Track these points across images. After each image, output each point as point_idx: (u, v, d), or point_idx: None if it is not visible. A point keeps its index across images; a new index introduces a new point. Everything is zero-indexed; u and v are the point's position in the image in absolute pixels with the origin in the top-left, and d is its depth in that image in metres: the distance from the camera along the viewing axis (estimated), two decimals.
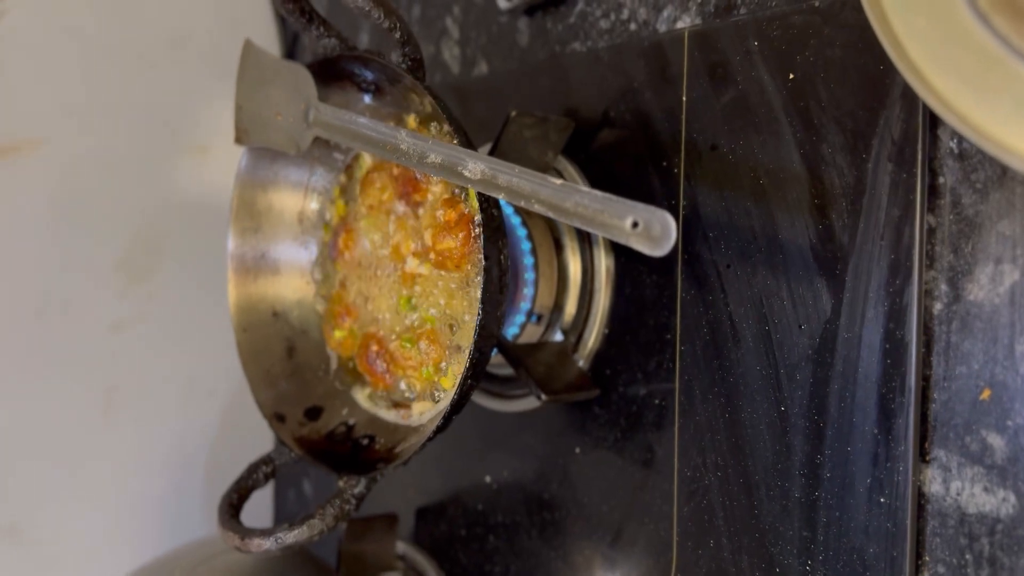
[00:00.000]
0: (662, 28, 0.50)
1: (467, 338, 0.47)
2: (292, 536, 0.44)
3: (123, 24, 0.71)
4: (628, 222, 0.35)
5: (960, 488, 0.39)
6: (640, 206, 0.35)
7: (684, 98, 0.47)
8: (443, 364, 0.48)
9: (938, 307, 0.39)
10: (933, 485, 0.39)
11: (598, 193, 0.36)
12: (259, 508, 0.81)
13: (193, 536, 0.73)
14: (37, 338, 0.68)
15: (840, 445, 0.41)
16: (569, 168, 0.52)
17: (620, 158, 0.50)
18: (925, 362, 0.39)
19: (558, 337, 0.53)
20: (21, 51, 0.65)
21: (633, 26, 0.52)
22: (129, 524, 0.74)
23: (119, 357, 0.72)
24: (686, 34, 0.47)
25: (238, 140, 0.50)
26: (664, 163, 0.48)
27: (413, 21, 0.69)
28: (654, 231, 0.34)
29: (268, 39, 0.79)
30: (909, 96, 0.39)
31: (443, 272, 0.47)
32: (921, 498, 0.40)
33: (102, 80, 0.69)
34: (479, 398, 0.57)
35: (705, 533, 0.46)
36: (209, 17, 0.75)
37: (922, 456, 0.39)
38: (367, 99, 0.51)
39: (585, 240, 0.52)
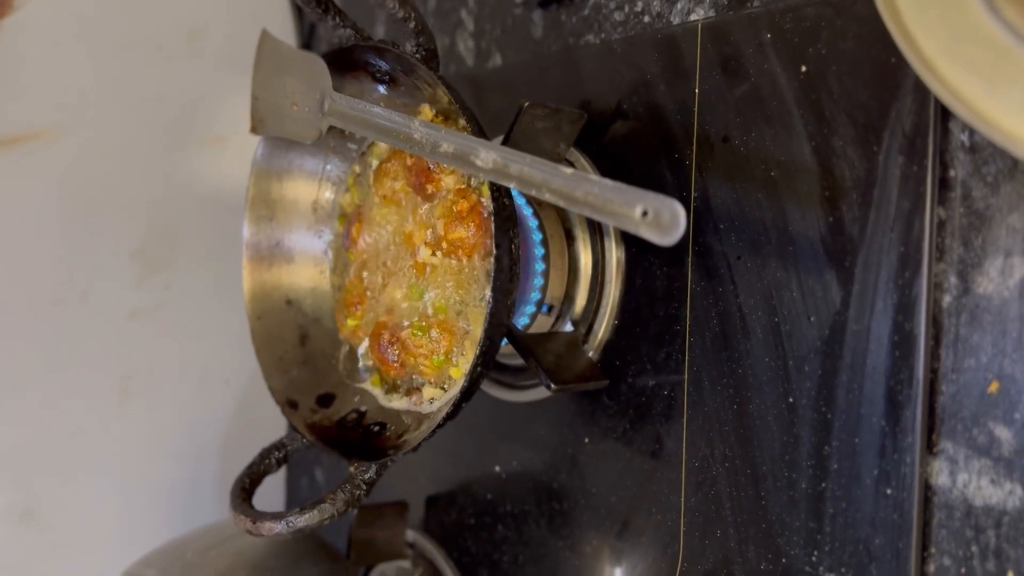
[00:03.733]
0: (676, 20, 0.50)
1: (478, 327, 0.47)
2: (303, 520, 0.45)
3: (141, 15, 0.71)
4: (638, 210, 0.35)
5: (967, 480, 0.39)
6: (650, 194, 0.35)
7: (697, 90, 0.47)
8: (454, 353, 0.48)
9: (947, 300, 0.39)
10: (940, 477, 0.39)
11: (608, 182, 0.37)
12: (272, 495, 0.82)
13: (206, 521, 0.74)
14: (55, 326, 0.68)
15: (847, 437, 0.41)
16: (581, 160, 0.53)
17: (632, 150, 0.51)
18: (933, 354, 0.39)
19: (568, 327, 0.53)
20: (40, 41, 0.66)
21: (647, 18, 0.52)
22: (143, 508, 0.74)
23: (136, 345, 0.73)
24: (699, 26, 0.47)
25: (254, 130, 0.50)
26: (676, 155, 0.48)
27: (428, 13, 0.69)
28: (663, 219, 0.34)
29: (285, 30, 0.80)
30: (920, 89, 0.39)
31: (455, 261, 0.48)
32: (928, 490, 0.40)
33: (120, 70, 0.70)
34: (489, 388, 0.57)
35: (712, 524, 0.46)
36: (227, 8, 0.76)
37: (929, 448, 0.40)
38: (382, 89, 0.51)
39: (596, 231, 0.52)
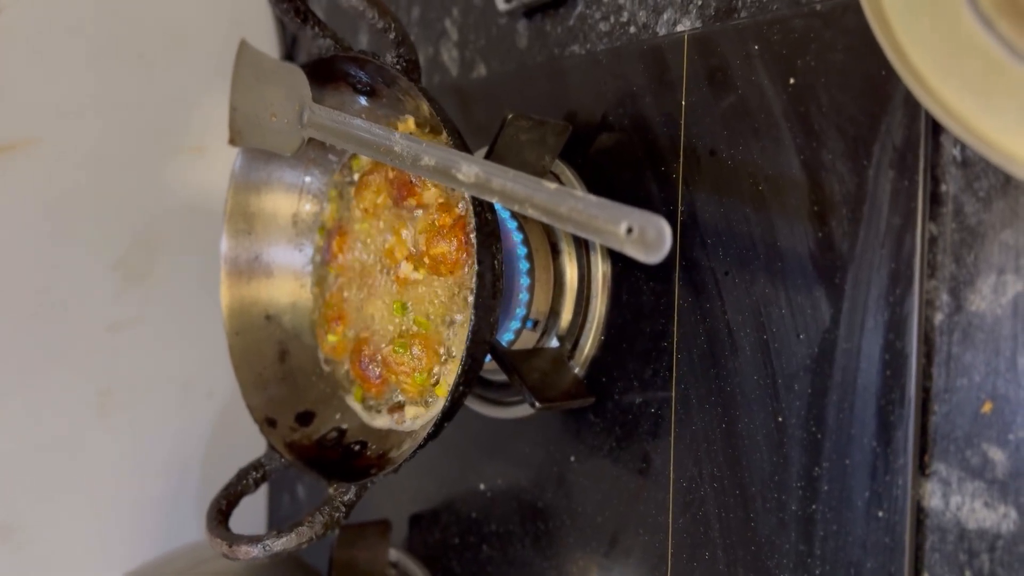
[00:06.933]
0: (662, 31, 0.50)
1: (460, 344, 0.46)
2: (280, 544, 0.44)
3: (122, 23, 0.70)
4: (623, 227, 0.34)
5: (960, 503, 0.38)
6: (635, 211, 0.34)
7: (683, 102, 0.46)
8: (436, 370, 0.47)
9: (939, 317, 0.38)
10: (932, 499, 0.38)
11: (592, 198, 0.36)
12: (252, 513, 0.81)
13: (189, 539, 0.72)
14: (33, 338, 0.67)
15: (838, 457, 0.40)
16: (567, 172, 0.52)
17: (618, 163, 0.50)
18: (925, 374, 0.38)
19: (554, 343, 0.52)
20: (18, 49, 0.65)
21: (632, 29, 0.51)
22: (124, 526, 0.73)
23: (115, 358, 0.72)
24: (686, 38, 0.46)
25: (232, 141, 0.49)
26: (663, 168, 0.47)
27: (412, 23, 0.68)
28: (649, 237, 0.33)
29: (267, 40, 0.78)
30: (911, 102, 0.38)
31: (437, 277, 0.47)
32: (920, 512, 0.39)
33: (99, 79, 0.69)
34: (473, 404, 0.56)
35: (700, 545, 0.45)
36: (208, 17, 0.75)
37: (921, 470, 0.39)
38: (362, 101, 0.50)
39: (582, 246, 0.51)
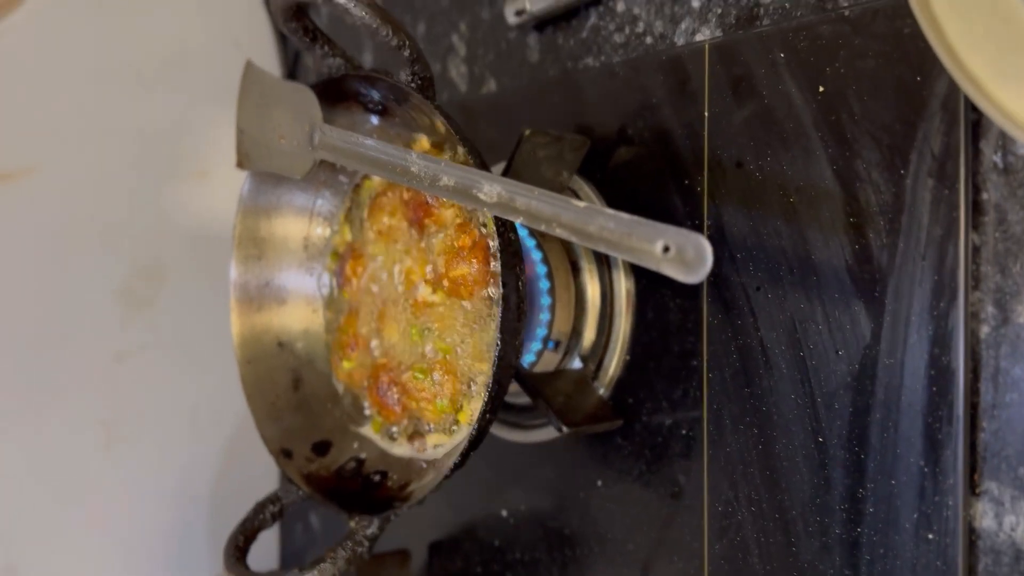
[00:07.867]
0: (680, 41, 0.48)
1: (484, 369, 0.44)
2: None
3: (121, 46, 0.69)
4: (659, 246, 0.32)
5: (1014, 523, 0.36)
6: (671, 229, 0.33)
7: (706, 113, 0.45)
8: (459, 396, 0.46)
9: (985, 330, 0.37)
10: (984, 520, 0.37)
11: (625, 216, 0.34)
12: (265, 542, 0.79)
13: (200, 575, 0.71)
14: (36, 369, 0.66)
15: (883, 478, 0.38)
16: (585, 188, 0.50)
17: (639, 177, 0.48)
18: (973, 389, 0.37)
19: (576, 364, 0.51)
20: (16, 75, 0.63)
21: (649, 40, 0.50)
22: (132, 563, 0.71)
23: (121, 388, 0.70)
24: (706, 47, 0.45)
25: (240, 165, 0.48)
26: (686, 181, 0.46)
27: (418, 38, 0.67)
28: (687, 256, 0.32)
29: (269, 60, 0.77)
30: (949, 108, 0.36)
31: (457, 300, 0.45)
32: (972, 534, 0.37)
33: (99, 104, 0.68)
34: (495, 428, 0.55)
35: (739, 572, 0.44)
36: (209, 38, 0.74)
37: (972, 489, 0.37)
38: (374, 120, 0.49)
39: (603, 262, 0.50)
